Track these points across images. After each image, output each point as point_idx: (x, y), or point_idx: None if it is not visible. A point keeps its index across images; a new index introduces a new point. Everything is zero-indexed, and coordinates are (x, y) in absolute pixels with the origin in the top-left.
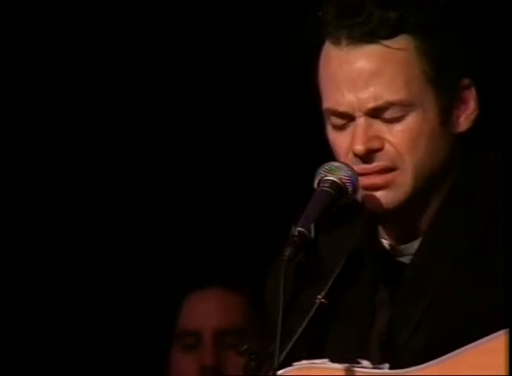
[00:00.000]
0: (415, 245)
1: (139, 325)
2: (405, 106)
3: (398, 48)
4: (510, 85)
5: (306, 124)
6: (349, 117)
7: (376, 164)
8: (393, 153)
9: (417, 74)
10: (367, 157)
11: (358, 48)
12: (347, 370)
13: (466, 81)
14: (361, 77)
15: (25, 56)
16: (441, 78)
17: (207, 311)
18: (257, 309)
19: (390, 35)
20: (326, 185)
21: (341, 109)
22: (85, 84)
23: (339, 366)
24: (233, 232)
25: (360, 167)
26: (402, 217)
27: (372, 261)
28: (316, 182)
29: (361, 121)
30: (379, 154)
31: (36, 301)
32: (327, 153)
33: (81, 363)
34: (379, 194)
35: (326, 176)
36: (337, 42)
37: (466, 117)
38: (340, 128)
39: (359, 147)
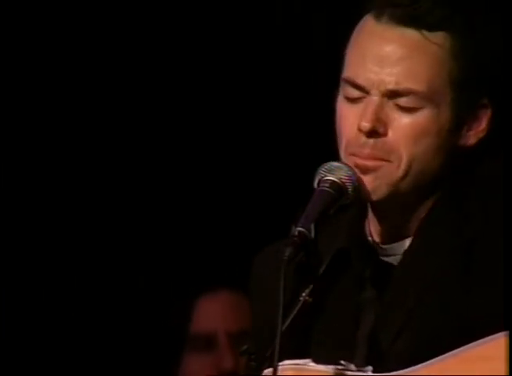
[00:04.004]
0: (401, 246)
1: (146, 328)
2: (422, 99)
3: (435, 43)
4: None
5: (306, 124)
6: (364, 92)
7: (370, 152)
8: (391, 145)
9: (444, 74)
10: (369, 136)
11: (396, 28)
12: (329, 372)
13: (485, 99)
14: (390, 57)
15: (25, 56)
16: (465, 87)
17: (220, 313)
18: None
19: (431, 27)
20: (326, 185)
21: (360, 81)
22: (85, 84)
23: (322, 368)
24: (241, 233)
25: (356, 149)
26: (390, 214)
27: (358, 259)
28: (316, 182)
29: (375, 99)
30: (378, 141)
31: (45, 301)
32: (327, 153)
33: (86, 365)
34: (367, 179)
35: (326, 176)
36: (378, 17)
37: (475, 134)
38: (352, 100)
39: (366, 124)
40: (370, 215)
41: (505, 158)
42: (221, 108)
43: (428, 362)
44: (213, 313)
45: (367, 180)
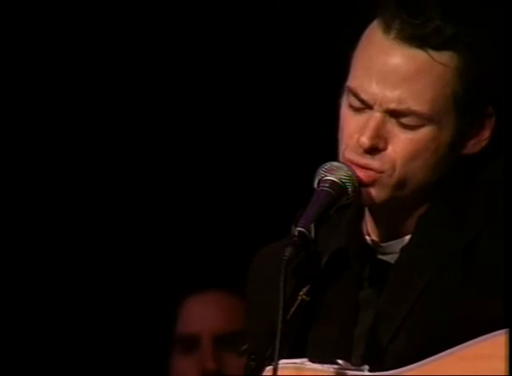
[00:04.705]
0: (398, 244)
1: (137, 329)
2: (424, 119)
3: (440, 63)
4: None
5: (306, 124)
6: (367, 106)
7: (367, 162)
8: (388, 159)
9: (447, 93)
10: (367, 151)
11: (403, 46)
12: (326, 371)
13: (490, 109)
14: (394, 75)
15: (25, 56)
16: (469, 104)
17: (205, 315)
18: None
19: (438, 47)
20: (326, 185)
21: (363, 96)
22: (85, 84)
23: (318, 367)
24: (231, 233)
25: (354, 158)
26: (388, 214)
27: (356, 258)
28: (316, 182)
29: (377, 115)
30: (377, 155)
31: (34, 303)
32: (327, 153)
33: (75, 366)
34: (364, 189)
35: (326, 176)
36: (386, 30)
37: (476, 143)
38: (355, 109)
39: (365, 141)
40: (367, 214)
41: (505, 160)
42: (221, 108)
43: (424, 360)
44: (198, 314)
45: (363, 191)
